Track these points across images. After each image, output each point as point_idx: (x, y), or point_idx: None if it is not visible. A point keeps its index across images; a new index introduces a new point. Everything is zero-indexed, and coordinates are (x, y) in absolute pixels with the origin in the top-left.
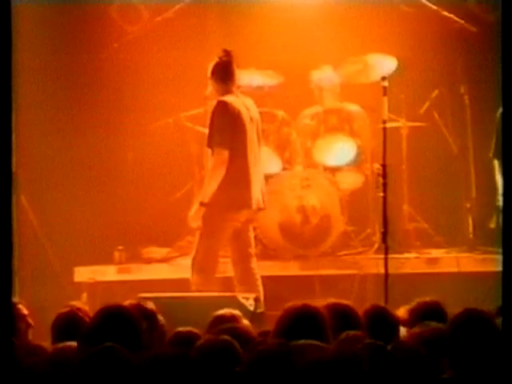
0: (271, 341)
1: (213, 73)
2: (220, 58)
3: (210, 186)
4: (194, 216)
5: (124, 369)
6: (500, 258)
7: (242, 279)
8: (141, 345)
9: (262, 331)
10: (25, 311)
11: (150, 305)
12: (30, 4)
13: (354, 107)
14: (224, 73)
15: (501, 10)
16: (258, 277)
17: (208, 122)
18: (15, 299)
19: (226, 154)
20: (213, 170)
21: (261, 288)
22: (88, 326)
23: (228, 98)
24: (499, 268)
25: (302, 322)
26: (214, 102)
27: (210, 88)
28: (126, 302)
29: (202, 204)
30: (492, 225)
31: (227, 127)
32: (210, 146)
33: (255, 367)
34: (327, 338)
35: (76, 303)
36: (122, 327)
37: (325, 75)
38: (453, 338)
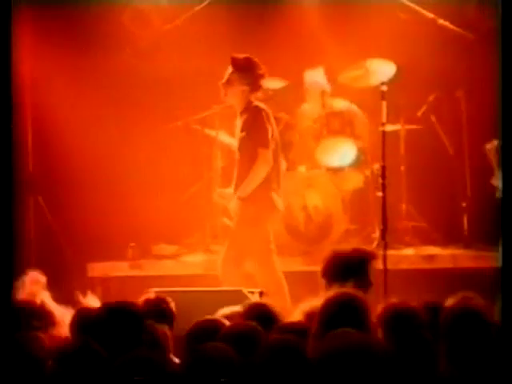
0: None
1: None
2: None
3: (252, 182)
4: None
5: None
6: (495, 255)
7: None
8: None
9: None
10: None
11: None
12: (45, 8)
13: (355, 111)
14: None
15: (500, 14)
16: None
17: (244, 124)
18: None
19: (270, 155)
20: (257, 168)
21: None
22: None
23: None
24: (494, 264)
25: (344, 311)
26: (253, 106)
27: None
28: (142, 298)
29: (240, 198)
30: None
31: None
32: (253, 147)
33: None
34: (368, 329)
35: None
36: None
37: (317, 78)
38: (449, 332)
